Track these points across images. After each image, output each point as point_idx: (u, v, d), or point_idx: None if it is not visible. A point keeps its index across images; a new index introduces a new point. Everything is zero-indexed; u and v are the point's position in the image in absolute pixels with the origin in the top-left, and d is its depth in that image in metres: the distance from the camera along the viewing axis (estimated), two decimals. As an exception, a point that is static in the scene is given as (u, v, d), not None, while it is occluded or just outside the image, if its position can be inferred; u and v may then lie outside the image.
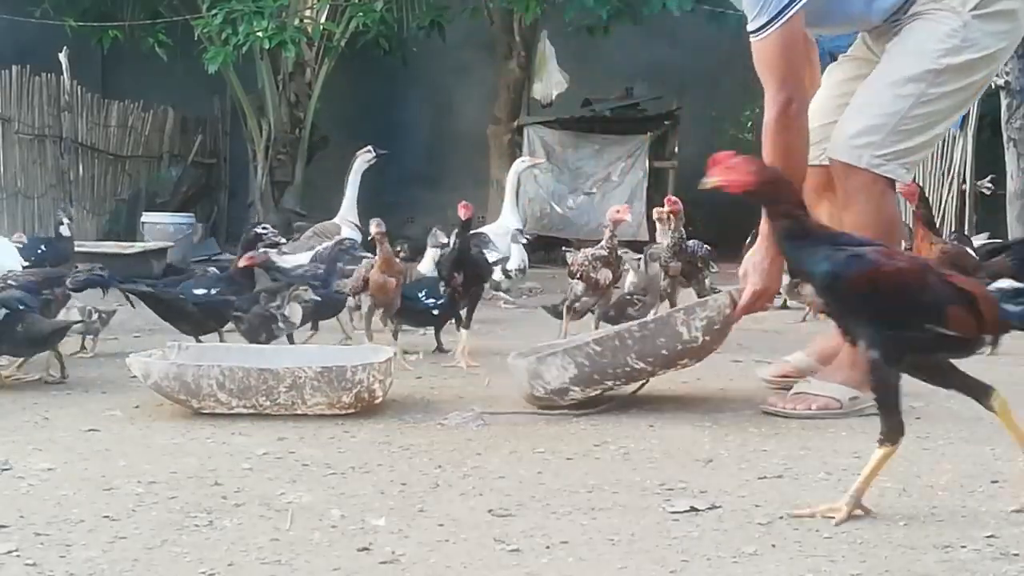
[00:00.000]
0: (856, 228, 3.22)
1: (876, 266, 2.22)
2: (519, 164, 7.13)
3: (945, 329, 2.19)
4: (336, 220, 7.01)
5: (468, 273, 4.36)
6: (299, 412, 3.23)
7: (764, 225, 3.29)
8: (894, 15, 3.41)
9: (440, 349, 4.68)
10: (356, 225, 6.98)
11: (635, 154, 12.59)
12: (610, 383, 3.31)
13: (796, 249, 2.33)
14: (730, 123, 12.95)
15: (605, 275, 4.73)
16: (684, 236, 5.06)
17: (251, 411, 3.22)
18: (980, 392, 2.26)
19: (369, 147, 7.27)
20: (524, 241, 6.68)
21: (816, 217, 3.39)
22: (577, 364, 3.28)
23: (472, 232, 5.00)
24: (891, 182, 3.37)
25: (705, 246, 5.23)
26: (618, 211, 4.84)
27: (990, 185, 8.07)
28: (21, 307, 3.67)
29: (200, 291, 4.72)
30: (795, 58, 3.30)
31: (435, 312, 4.55)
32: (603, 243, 4.79)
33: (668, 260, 4.96)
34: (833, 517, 2.20)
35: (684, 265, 4.99)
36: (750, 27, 3.32)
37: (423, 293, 4.56)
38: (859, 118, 3.35)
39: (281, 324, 4.31)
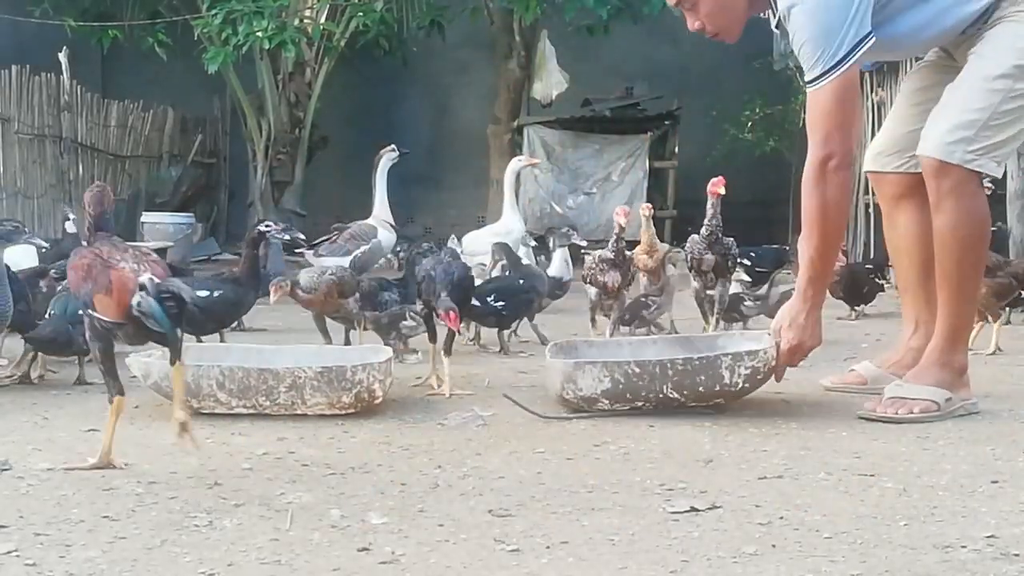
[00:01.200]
0: (946, 229, 3.29)
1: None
2: (515, 163, 7.10)
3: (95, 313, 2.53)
4: (370, 221, 6.90)
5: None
6: (299, 412, 3.23)
7: (802, 280, 3.34)
8: (973, 24, 3.36)
9: (504, 351, 4.78)
10: (391, 224, 6.92)
11: (635, 154, 12.59)
12: (640, 404, 3.31)
13: None
14: (730, 123, 12.95)
15: (614, 278, 4.71)
16: (720, 225, 4.69)
17: (251, 411, 3.22)
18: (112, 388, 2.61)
19: (392, 146, 7.21)
20: (532, 244, 6.58)
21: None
22: (613, 379, 3.27)
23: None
24: (980, 182, 3.34)
25: (737, 246, 4.91)
26: (618, 213, 4.84)
27: (990, 185, 8.04)
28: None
29: (202, 292, 4.72)
30: (848, 110, 3.27)
31: (504, 313, 4.69)
32: (610, 245, 4.79)
33: (702, 252, 4.68)
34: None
35: (718, 259, 4.72)
36: (806, 77, 3.29)
37: (491, 296, 4.66)
38: (950, 116, 3.30)
39: (411, 322, 4.40)
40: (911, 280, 3.73)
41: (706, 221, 4.72)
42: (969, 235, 3.31)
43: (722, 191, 4.68)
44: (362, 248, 6.51)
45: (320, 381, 3.21)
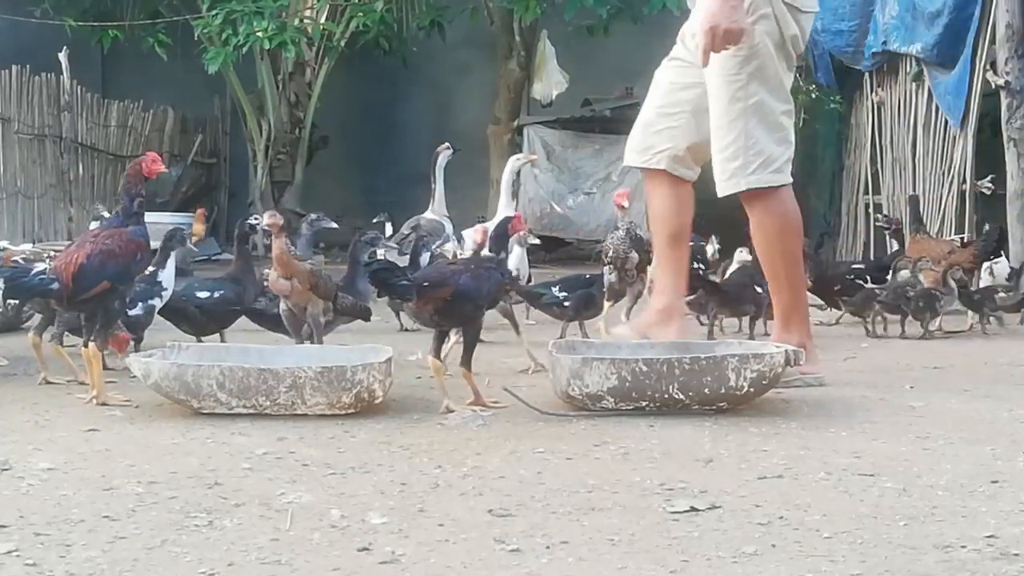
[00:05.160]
0: (762, 235, 4.00)
1: None
2: (514, 161, 7.13)
3: None
4: (432, 216, 7.23)
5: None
6: (299, 412, 3.23)
7: None
8: None
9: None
10: (448, 217, 7.31)
11: (635, 154, 12.59)
12: (644, 404, 3.30)
13: None
14: (730, 123, 12.94)
15: (633, 258, 4.86)
16: (635, 224, 4.98)
17: (251, 411, 3.22)
18: None
19: (447, 143, 7.56)
20: (535, 242, 6.28)
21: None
22: (620, 377, 3.27)
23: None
24: (779, 190, 3.92)
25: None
26: (620, 195, 5.05)
27: (990, 185, 8.07)
28: None
29: (203, 293, 4.73)
30: None
31: (566, 304, 4.92)
32: (620, 227, 4.92)
33: (626, 252, 4.85)
34: None
35: (642, 255, 4.86)
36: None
37: (557, 287, 5.01)
38: (717, 154, 3.89)
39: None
40: (663, 246, 4.19)
41: (619, 222, 4.99)
42: (780, 236, 3.94)
43: (626, 203, 5.08)
44: (437, 243, 6.65)
45: (320, 381, 3.20)
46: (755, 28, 3.76)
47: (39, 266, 3.54)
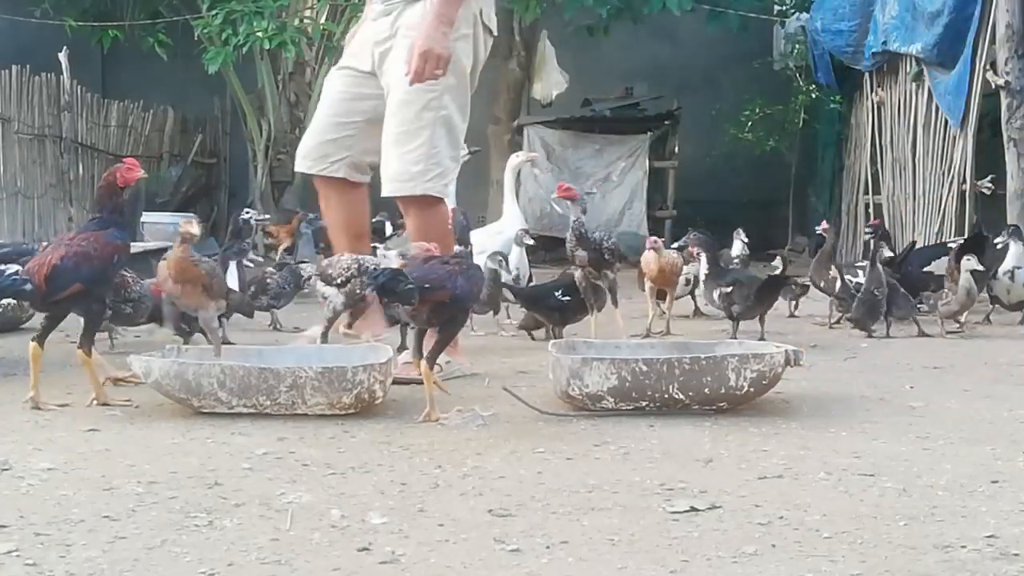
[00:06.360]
0: (421, 237, 3.94)
1: None
2: (514, 160, 7.09)
3: None
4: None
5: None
6: (299, 412, 3.23)
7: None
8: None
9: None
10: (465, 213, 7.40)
11: (635, 154, 12.60)
12: (644, 404, 3.30)
13: None
14: (730, 123, 12.95)
15: (582, 256, 4.80)
16: (583, 223, 4.83)
17: (251, 410, 3.22)
18: None
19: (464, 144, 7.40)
20: (529, 243, 6.17)
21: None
22: (620, 377, 3.27)
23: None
24: (437, 200, 4.08)
25: (612, 239, 4.97)
26: (561, 189, 4.91)
27: (990, 185, 8.06)
28: None
29: None
30: None
31: (565, 304, 5.03)
32: (571, 232, 4.84)
33: (573, 250, 4.83)
34: None
35: (591, 254, 4.80)
36: None
37: (560, 292, 5.07)
38: (398, 156, 4.01)
39: None
40: (348, 250, 4.24)
41: (571, 222, 4.86)
42: (441, 241, 3.88)
43: (568, 192, 4.90)
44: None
45: (321, 381, 3.21)
46: (456, 45, 3.94)
47: (12, 267, 3.55)
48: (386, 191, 4.11)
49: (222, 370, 3.21)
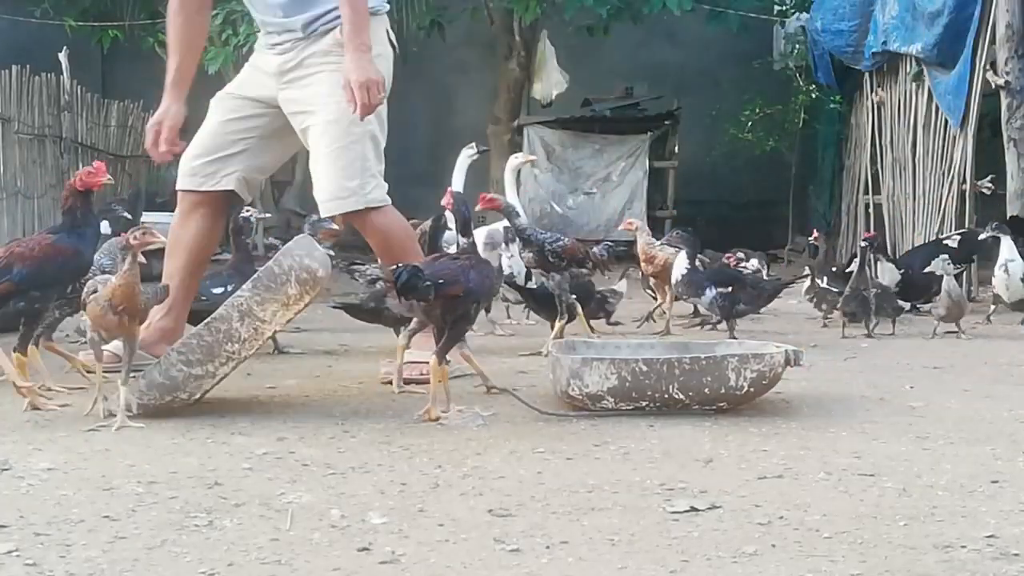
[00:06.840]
0: (385, 246, 4.16)
1: None
2: (513, 161, 7.07)
3: None
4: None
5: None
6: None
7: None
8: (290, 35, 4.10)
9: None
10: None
11: (635, 154, 12.60)
12: (644, 404, 3.30)
13: None
14: (730, 123, 12.95)
15: (528, 257, 4.86)
16: (524, 225, 4.75)
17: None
18: None
19: (473, 143, 7.28)
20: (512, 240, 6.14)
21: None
22: (620, 377, 3.27)
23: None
24: (382, 207, 4.12)
25: (559, 241, 4.74)
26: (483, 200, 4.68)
27: (990, 185, 8.06)
28: None
29: (218, 289, 4.74)
30: None
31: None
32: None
33: (520, 251, 4.83)
34: None
35: (535, 255, 4.74)
36: None
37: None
38: (332, 175, 4.05)
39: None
40: (183, 272, 4.25)
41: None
42: (403, 242, 4.14)
43: (491, 203, 4.71)
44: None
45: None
46: (379, 63, 3.98)
47: None
48: (326, 211, 4.16)
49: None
